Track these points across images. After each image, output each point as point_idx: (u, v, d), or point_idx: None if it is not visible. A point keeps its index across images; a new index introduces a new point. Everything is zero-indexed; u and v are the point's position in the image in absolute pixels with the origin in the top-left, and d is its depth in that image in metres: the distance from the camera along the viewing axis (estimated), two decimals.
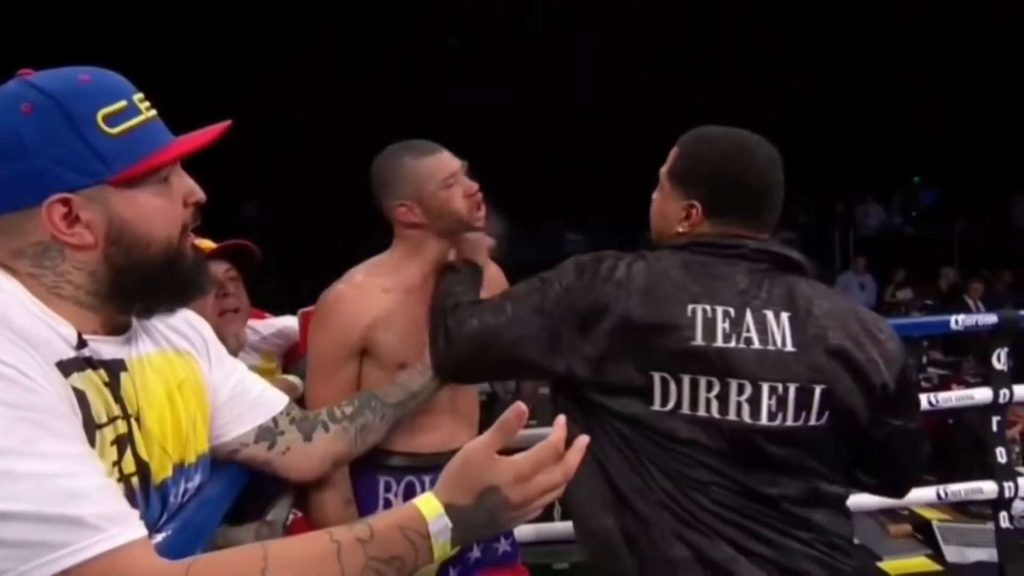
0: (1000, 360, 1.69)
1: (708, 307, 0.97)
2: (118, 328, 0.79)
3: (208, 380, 0.93)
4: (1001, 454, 1.73)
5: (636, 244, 1.15)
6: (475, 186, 1.29)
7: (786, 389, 0.96)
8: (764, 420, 0.96)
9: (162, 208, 0.76)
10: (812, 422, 0.97)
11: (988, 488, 1.77)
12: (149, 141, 0.74)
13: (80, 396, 0.69)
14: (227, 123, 0.79)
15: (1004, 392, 1.73)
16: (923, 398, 1.75)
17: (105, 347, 0.76)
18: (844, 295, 1.09)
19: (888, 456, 1.09)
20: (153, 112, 0.76)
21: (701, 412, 0.96)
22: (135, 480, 0.74)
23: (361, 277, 1.31)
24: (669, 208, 1.10)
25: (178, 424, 0.83)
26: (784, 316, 0.99)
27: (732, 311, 0.97)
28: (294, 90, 9.16)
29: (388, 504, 1.29)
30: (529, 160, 9.54)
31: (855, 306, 1.07)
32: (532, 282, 1.08)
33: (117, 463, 0.72)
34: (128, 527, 0.64)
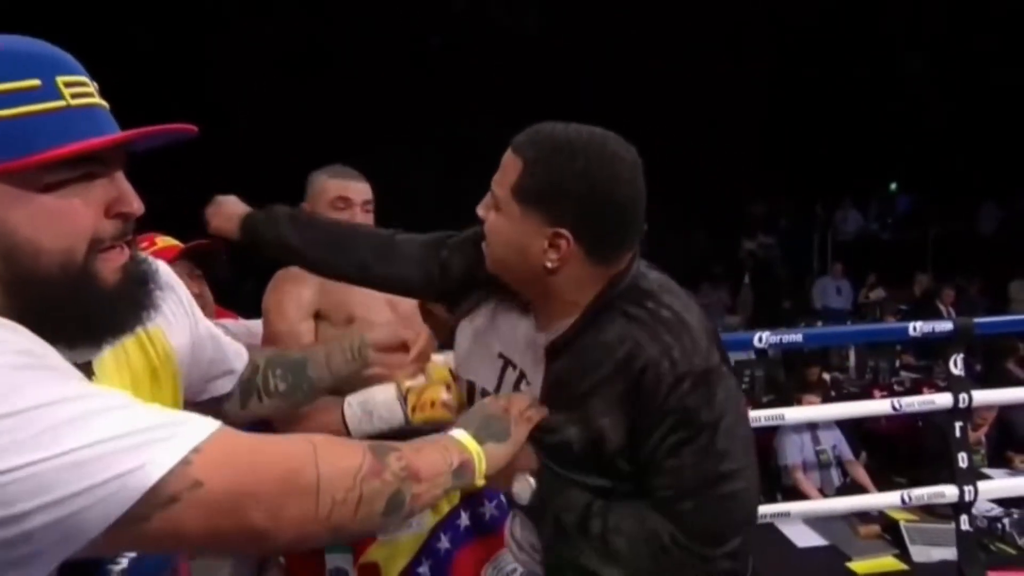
0: (957, 366, 1.73)
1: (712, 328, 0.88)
2: None
3: (183, 350, 0.87)
4: (962, 459, 1.78)
5: None
6: (364, 220, 1.45)
7: None
8: None
9: (62, 213, 0.62)
10: None
11: (950, 492, 1.82)
12: (59, 132, 0.60)
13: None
14: (184, 127, 0.68)
15: (963, 397, 1.77)
16: (887, 403, 1.81)
17: (69, 352, 0.66)
18: None
19: None
20: (87, 100, 0.64)
21: None
22: None
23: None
24: (524, 236, 0.84)
25: None
26: None
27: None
28: (275, 88, 9.08)
29: None
30: None
31: None
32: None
33: None
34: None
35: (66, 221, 0.63)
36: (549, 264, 0.84)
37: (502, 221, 0.86)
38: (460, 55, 9.91)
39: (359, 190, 1.47)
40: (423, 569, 1.37)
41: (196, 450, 0.57)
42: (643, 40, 9.94)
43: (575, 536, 0.88)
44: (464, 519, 1.41)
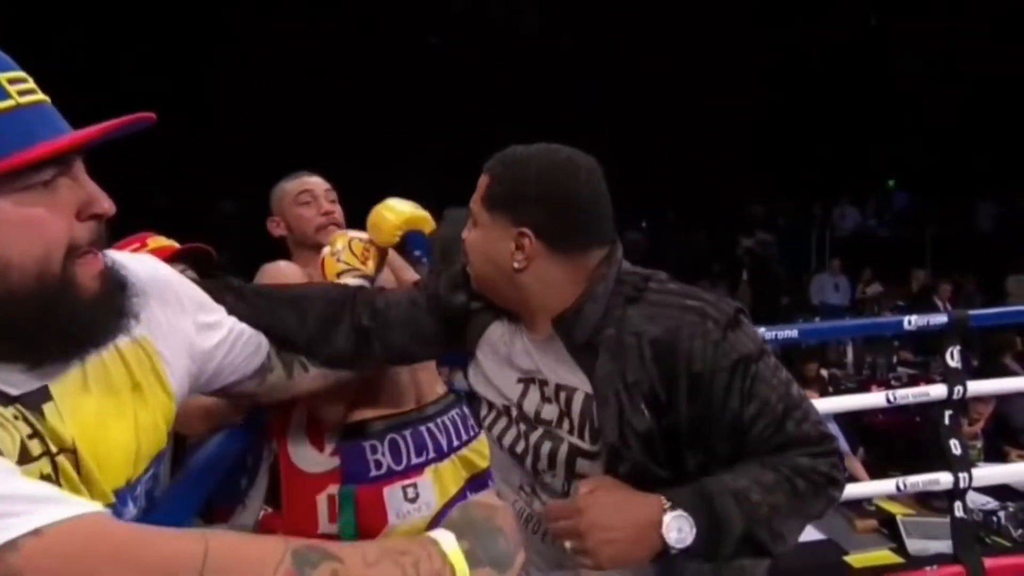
0: (953, 358, 1.76)
1: None
2: None
3: (176, 352, 0.81)
4: (956, 446, 1.80)
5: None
6: (329, 208, 1.51)
7: None
8: None
9: (30, 221, 0.58)
10: None
11: (944, 479, 1.84)
12: (13, 134, 0.56)
13: None
14: (143, 116, 0.63)
15: (958, 388, 1.80)
16: (882, 395, 1.83)
17: (17, 376, 0.62)
18: None
19: None
20: (34, 98, 0.59)
21: None
22: None
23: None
24: (494, 241, 0.92)
25: (126, 439, 0.71)
26: None
27: None
28: (270, 84, 9.09)
29: (379, 465, 1.36)
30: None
31: None
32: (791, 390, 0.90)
33: None
34: (90, 505, 0.55)
35: (35, 230, 0.58)
36: (517, 264, 0.91)
37: (477, 233, 0.95)
38: (459, 55, 9.92)
39: (317, 183, 1.55)
40: None
41: (37, 532, 0.48)
42: (643, 40, 9.96)
43: (754, 519, 0.84)
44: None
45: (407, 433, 1.38)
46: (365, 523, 1.35)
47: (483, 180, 0.95)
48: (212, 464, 1.01)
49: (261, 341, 0.98)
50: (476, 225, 0.95)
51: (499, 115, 9.62)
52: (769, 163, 10.82)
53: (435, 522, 1.35)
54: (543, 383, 0.97)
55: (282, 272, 1.45)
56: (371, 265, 1.32)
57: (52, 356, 0.63)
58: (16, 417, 0.61)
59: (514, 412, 1.00)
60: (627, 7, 9.80)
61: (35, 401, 0.63)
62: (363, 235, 1.36)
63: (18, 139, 0.56)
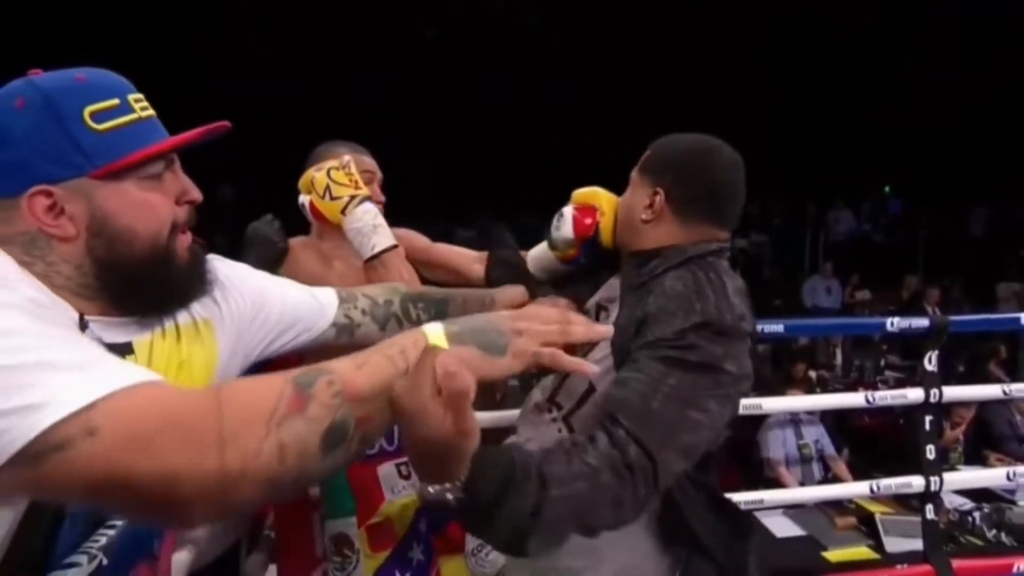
0: (931, 362, 1.80)
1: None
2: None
3: (229, 340, 0.90)
4: (930, 451, 1.84)
5: None
6: (380, 196, 1.47)
7: None
8: None
9: (149, 203, 0.77)
10: None
11: (917, 482, 1.89)
12: (138, 138, 0.76)
13: None
14: (222, 124, 0.80)
15: (934, 392, 1.84)
16: (860, 396, 1.87)
17: (111, 330, 0.77)
18: None
19: None
20: (149, 112, 0.78)
21: None
22: None
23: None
24: (636, 197, 1.10)
25: None
26: None
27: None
28: (267, 72, 9.05)
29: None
30: (511, 155, 9.58)
31: None
32: (706, 379, 0.90)
33: None
34: (142, 373, 0.62)
35: (152, 210, 0.77)
36: (644, 216, 1.07)
37: (628, 192, 1.14)
38: (457, 46, 9.89)
39: (375, 166, 1.50)
40: (422, 526, 1.44)
41: (109, 396, 0.57)
42: (641, 37, 9.96)
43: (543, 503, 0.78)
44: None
45: None
46: (362, 501, 1.37)
47: (645, 154, 1.13)
48: None
49: (328, 305, 1.06)
50: (629, 186, 1.13)
51: (496, 108, 9.63)
52: (764, 163, 10.82)
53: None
54: (603, 309, 1.13)
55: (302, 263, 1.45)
56: (364, 186, 1.33)
57: (156, 310, 0.80)
58: None
59: None
60: (625, 2, 9.79)
61: (120, 353, 0.76)
62: (329, 163, 1.33)
63: (140, 141, 0.76)
